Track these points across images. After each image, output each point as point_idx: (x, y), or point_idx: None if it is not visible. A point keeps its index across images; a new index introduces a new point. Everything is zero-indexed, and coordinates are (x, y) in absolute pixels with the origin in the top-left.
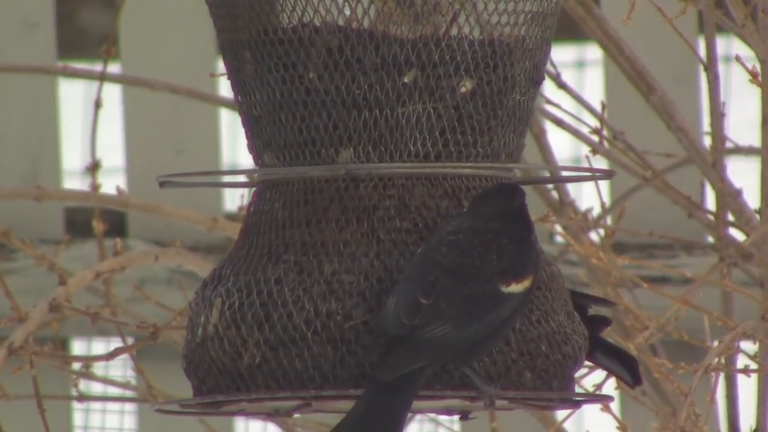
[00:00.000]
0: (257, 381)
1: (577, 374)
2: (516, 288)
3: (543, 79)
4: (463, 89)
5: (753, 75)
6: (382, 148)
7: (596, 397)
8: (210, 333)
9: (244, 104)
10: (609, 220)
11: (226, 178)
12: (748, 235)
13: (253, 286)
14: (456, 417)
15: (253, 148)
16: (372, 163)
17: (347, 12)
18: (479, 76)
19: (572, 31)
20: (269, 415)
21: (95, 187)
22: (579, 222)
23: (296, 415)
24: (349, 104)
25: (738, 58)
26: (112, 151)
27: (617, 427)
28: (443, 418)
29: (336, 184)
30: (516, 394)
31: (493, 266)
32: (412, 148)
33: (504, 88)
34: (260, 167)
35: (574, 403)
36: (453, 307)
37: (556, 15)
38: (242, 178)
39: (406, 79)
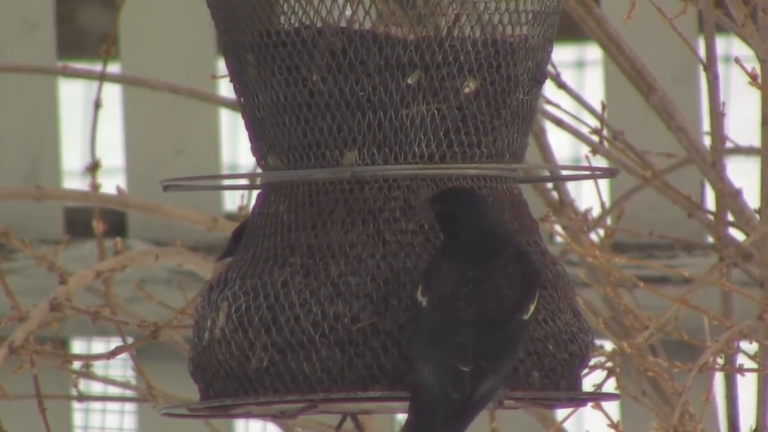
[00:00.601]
0: (265, 384)
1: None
2: (533, 306)
3: (546, 78)
4: (466, 90)
5: (752, 77)
6: (387, 150)
7: (602, 396)
8: (217, 336)
9: (247, 107)
10: (609, 221)
11: (228, 181)
12: (748, 235)
13: (259, 290)
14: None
15: (256, 151)
16: (377, 165)
17: (348, 13)
18: (482, 77)
19: (572, 31)
20: (274, 417)
21: (95, 187)
22: (579, 222)
23: (300, 417)
24: (353, 106)
25: (737, 61)
26: (112, 151)
27: (608, 425)
28: None
29: (341, 187)
30: (524, 394)
31: (510, 301)
32: (416, 150)
33: (507, 87)
34: (264, 170)
35: (581, 402)
36: (491, 360)
37: (557, 14)
38: (244, 180)
39: (409, 81)
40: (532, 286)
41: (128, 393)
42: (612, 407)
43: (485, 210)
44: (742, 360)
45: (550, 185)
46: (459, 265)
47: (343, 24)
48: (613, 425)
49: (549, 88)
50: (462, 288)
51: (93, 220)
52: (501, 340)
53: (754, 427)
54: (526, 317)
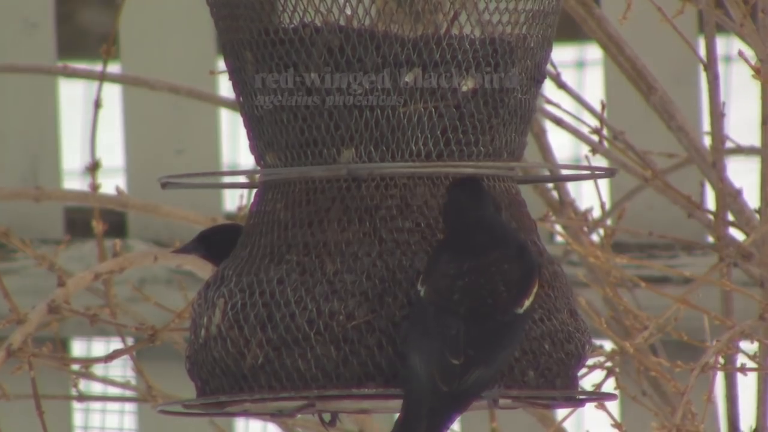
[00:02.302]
0: (260, 381)
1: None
2: (528, 302)
3: (544, 77)
4: (464, 88)
5: (756, 71)
6: (384, 148)
7: (599, 396)
8: (213, 334)
9: (245, 105)
10: (609, 221)
11: (227, 179)
12: (748, 235)
13: (255, 287)
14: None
15: (255, 149)
16: (374, 163)
17: (348, 11)
18: (480, 75)
19: (572, 31)
20: (272, 415)
21: (95, 187)
22: (579, 222)
23: (299, 416)
24: (351, 104)
25: (741, 54)
26: (112, 151)
27: (612, 425)
28: None
29: (338, 184)
30: (520, 393)
31: (504, 295)
32: (413, 148)
33: (505, 86)
34: (262, 168)
35: (577, 402)
36: (481, 351)
37: (557, 14)
38: (243, 179)
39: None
40: (529, 281)
41: (128, 393)
42: (612, 407)
43: (487, 203)
44: (742, 360)
45: (550, 185)
46: (457, 257)
47: (341, 22)
48: (616, 425)
49: (549, 88)
50: (458, 281)
51: (93, 220)
52: (492, 333)
53: (754, 427)
54: (520, 311)
